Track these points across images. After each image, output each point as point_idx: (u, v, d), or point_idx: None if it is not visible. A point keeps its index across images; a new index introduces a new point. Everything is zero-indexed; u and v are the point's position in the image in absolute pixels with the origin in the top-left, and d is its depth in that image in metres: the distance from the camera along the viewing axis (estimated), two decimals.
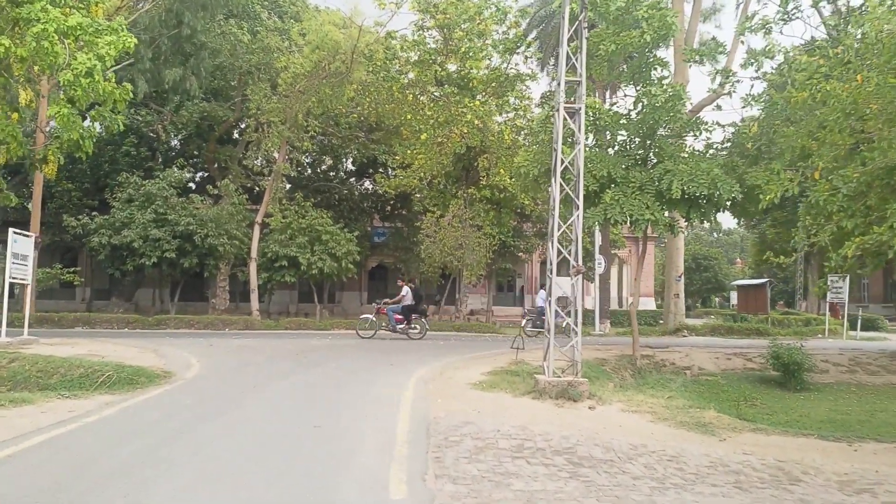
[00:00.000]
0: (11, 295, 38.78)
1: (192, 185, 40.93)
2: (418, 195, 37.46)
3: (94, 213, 32.66)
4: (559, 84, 12.21)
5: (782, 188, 11.81)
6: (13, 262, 18.19)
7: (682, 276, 33.47)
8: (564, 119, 12.24)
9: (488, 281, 41.60)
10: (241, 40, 34.23)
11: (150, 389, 12.74)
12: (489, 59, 32.72)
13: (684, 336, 30.35)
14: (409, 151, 32.36)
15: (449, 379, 14.44)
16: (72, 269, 33.77)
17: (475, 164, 33.04)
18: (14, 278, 18.60)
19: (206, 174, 41.02)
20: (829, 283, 31.80)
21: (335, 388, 12.89)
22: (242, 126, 37.00)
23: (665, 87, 16.56)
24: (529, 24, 36.19)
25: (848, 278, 31.63)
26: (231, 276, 36.56)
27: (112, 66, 17.41)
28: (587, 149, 18.32)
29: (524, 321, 28.57)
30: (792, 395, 17.31)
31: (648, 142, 17.86)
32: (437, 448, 8.47)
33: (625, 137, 18.81)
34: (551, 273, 12.54)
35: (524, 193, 23.71)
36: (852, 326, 35.24)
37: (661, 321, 39.19)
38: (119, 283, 40.95)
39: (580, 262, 12.31)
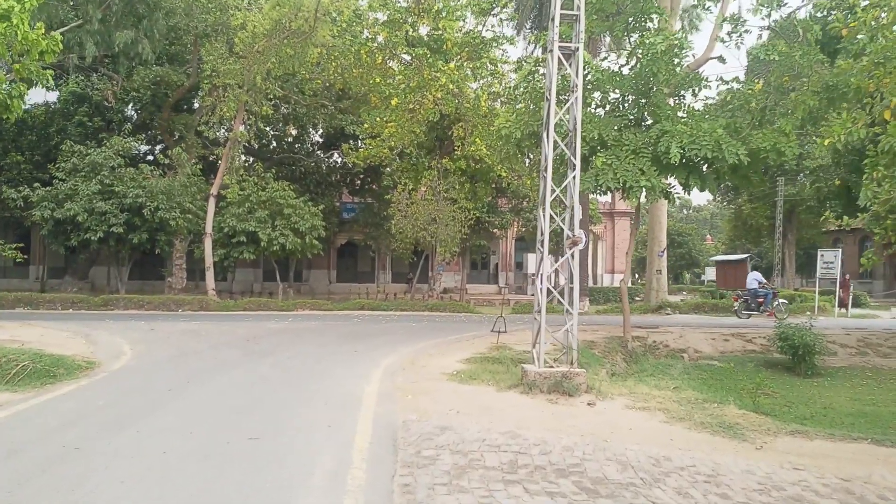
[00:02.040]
0: None
1: (149, 157, 38.23)
2: (389, 168, 35.28)
3: (36, 185, 30.04)
4: (552, 19, 10.18)
5: (845, 132, 9.70)
6: None
7: (665, 251, 31.79)
8: (559, 61, 10.22)
9: (462, 258, 39.69)
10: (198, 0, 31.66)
11: (64, 384, 10.65)
12: (464, 20, 30.52)
13: (668, 314, 28.68)
14: (378, 119, 30.07)
15: (422, 368, 12.48)
16: (14, 245, 31.13)
17: (449, 133, 30.90)
18: None
19: (164, 146, 38.42)
20: (820, 257, 30.34)
21: (285, 383, 10.86)
22: (199, 93, 34.37)
23: (664, 35, 14.58)
24: None
25: (840, 252, 30.14)
26: (189, 253, 34.24)
27: (32, 8, 15.07)
28: None
29: (737, 303, 27.60)
30: (803, 380, 15.63)
31: (643, 100, 15.89)
32: (406, 469, 6.50)
33: (617, 97, 16.85)
34: (542, 245, 10.59)
35: (504, 160, 21.64)
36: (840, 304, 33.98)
37: (639, 298, 37.68)
38: (73, 260, 38.49)
39: (577, 231, 10.37)
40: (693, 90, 16.46)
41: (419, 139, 31.19)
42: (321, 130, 41.22)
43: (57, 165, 30.44)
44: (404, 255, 35.30)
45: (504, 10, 32.26)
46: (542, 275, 10.23)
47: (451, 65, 28.42)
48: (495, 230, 41.06)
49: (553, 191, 10.35)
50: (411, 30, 29.89)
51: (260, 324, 21.01)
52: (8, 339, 14.76)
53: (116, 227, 28.68)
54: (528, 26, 35.44)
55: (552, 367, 10.30)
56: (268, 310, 27.84)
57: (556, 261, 34.20)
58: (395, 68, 31.41)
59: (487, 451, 7.15)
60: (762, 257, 65.06)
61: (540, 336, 10.23)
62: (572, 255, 10.37)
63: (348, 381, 11.01)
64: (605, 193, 15.71)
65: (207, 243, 30.15)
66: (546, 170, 10.21)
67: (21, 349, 12.71)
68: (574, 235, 10.28)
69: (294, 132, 40.61)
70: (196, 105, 36.75)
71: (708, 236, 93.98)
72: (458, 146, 30.28)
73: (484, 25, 31.24)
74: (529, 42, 35.17)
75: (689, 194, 16.27)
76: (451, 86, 27.83)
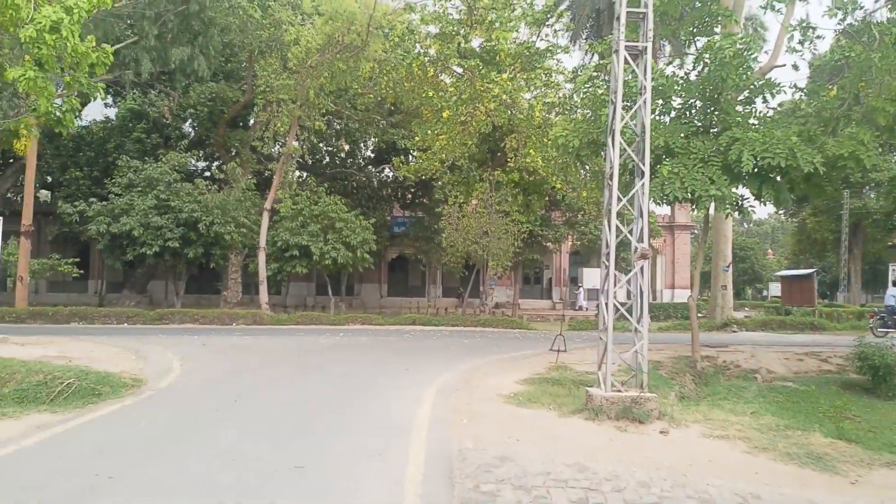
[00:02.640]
0: (3, 287, 37.18)
1: (206, 173, 38.48)
2: (440, 181, 34.82)
3: (92, 200, 30.40)
4: (618, 18, 9.51)
5: None
6: None
7: (731, 266, 30.52)
8: (625, 61, 9.54)
9: (514, 272, 38.91)
10: (252, 16, 31.73)
11: (107, 404, 10.29)
12: (517, 30, 29.93)
13: (734, 332, 27.47)
14: (429, 132, 29.66)
15: (476, 389, 11.84)
16: (70, 260, 31.63)
17: (502, 144, 30.28)
18: None
19: (220, 162, 38.62)
20: (893, 272, 28.75)
21: (334, 403, 10.34)
22: (254, 109, 34.47)
23: (733, 38, 13.74)
24: None
25: None
26: (244, 267, 34.30)
27: (82, 19, 15.01)
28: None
29: (872, 320, 26.14)
30: (884, 403, 14.48)
31: (712, 107, 15.03)
32: None
33: (681, 104, 16.01)
34: (606, 259, 9.90)
35: (561, 171, 20.87)
36: None
37: (702, 315, 36.36)
38: (131, 275, 38.99)
39: (646, 242, 9.63)
40: (764, 96, 15.53)
41: (471, 151, 30.69)
42: (373, 145, 41.12)
43: (113, 180, 30.76)
44: (455, 270, 34.71)
45: (560, 20, 31.68)
46: (608, 291, 9.51)
47: (504, 76, 27.87)
48: (549, 244, 40.20)
49: (619, 199, 9.63)
50: (463, 41, 29.46)
51: (311, 338, 20.64)
52: (57, 355, 14.61)
53: (172, 242, 28.75)
54: (584, 36, 34.71)
55: (620, 391, 9.55)
56: (319, 324, 27.56)
57: (615, 275, 32.94)
58: (447, 81, 31.02)
59: (553, 486, 6.47)
60: (827, 272, 62.73)
61: (606, 357, 9.50)
62: (641, 270, 9.62)
63: (400, 401, 10.44)
64: (671, 203, 14.86)
65: (261, 257, 30.07)
66: (612, 177, 9.51)
67: (67, 366, 12.47)
68: (643, 248, 9.54)
69: (346, 147, 40.53)
70: (251, 121, 36.93)
71: (769, 251, 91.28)
72: (511, 158, 29.64)
73: (538, 36, 30.66)
74: (586, 51, 34.45)
75: (764, 205, 15.28)
76: (504, 96, 27.27)
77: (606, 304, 9.68)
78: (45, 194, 41.75)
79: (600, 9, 32.65)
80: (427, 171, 30.79)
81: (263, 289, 30.18)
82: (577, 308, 43.78)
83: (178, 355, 15.31)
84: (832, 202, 45.94)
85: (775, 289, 68.38)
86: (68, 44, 14.56)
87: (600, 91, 15.78)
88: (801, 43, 14.78)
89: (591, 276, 43.39)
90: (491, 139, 31.06)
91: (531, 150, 29.12)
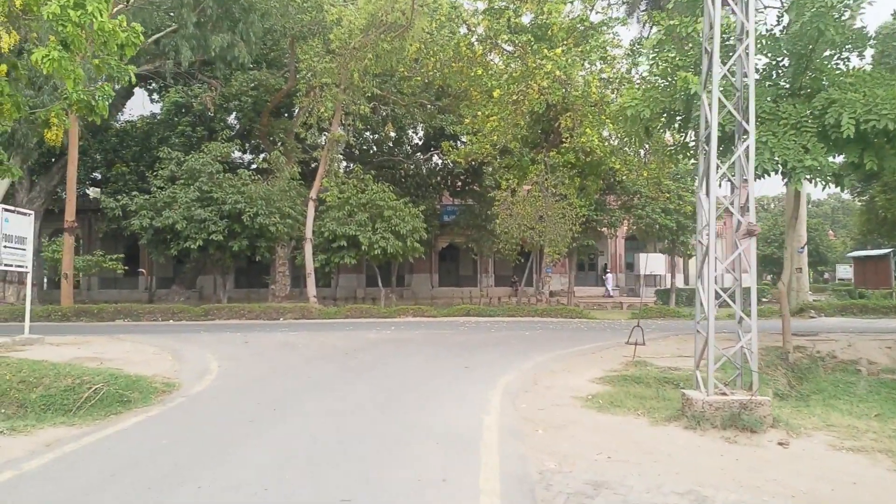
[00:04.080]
0: (53, 286, 36.92)
1: (252, 165, 37.54)
2: (490, 167, 33.30)
3: (134, 194, 29.72)
4: None
5: None
6: (5, 246, 14.93)
7: (806, 247, 28.42)
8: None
9: (569, 259, 37.21)
10: None
11: (133, 413, 9.17)
12: (570, 1, 28.23)
13: (812, 317, 25.50)
14: (479, 114, 28.19)
15: (547, 390, 10.39)
16: (115, 257, 31.04)
17: (556, 125, 28.67)
18: (8, 265, 15.36)
19: (264, 152, 37.67)
20: None
21: (385, 412, 8.98)
22: (297, 95, 33.37)
23: None
24: None
25: None
26: (292, 259, 33.39)
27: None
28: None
29: None
30: None
31: (804, 65, 13.24)
32: None
33: (766, 63, 14.25)
34: (700, 238, 8.38)
35: (620, 150, 19.05)
36: None
37: (766, 300, 34.27)
38: (181, 269, 38.44)
39: (752, 216, 8.04)
40: (860, 52, 13.70)
41: (523, 133, 29.16)
42: (420, 132, 39.80)
43: (155, 173, 30.03)
44: (510, 257, 33.17)
45: None
46: (708, 274, 7.95)
47: (558, 50, 26.23)
48: (603, 229, 38.38)
49: (718, 166, 8.06)
50: (514, 16, 27.91)
51: (361, 333, 19.42)
52: (90, 356, 13.67)
53: (216, 235, 27.87)
54: (642, 7, 32.75)
55: (725, 393, 8.00)
56: (370, 317, 26.41)
57: (667, 261, 31.15)
58: (497, 60, 29.52)
59: None
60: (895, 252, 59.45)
61: (707, 353, 7.95)
62: (746, 249, 8.05)
63: (461, 408, 9.06)
64: (759, 177, 13.15)
65: (308, 248, 29.04)
66: (708, 140, 7.94)
67: (98, 369, 11.45)
68: (750, 223, 7.96)
69: (393, 134, 39.27)
70: (295, 110, 35.89)
71: (830, 232, 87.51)
72: (567, 138, 27.99)
73: (592, 8, 28.96)
74: (644, 23, 32.51)
75: (864, 178, 13.48)
76: (557, 72, 25.68)
77: (705, 290, 8.12)
78: (95, 191, 41.51)
79: None
80: (478, 155, 29.34)
81: (311, 281, 29.14)
82: (605, 295, 42.12)
83: (216, 355, 14.20)
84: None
85: (843, 271, 65.17)
86: (94, 21, 13.43)
87: (672, 55, 14.11)
88: None
89: (648, 262, 41.51)
90: (544, 119, 29.49)
91: (587, 129, 27.48)
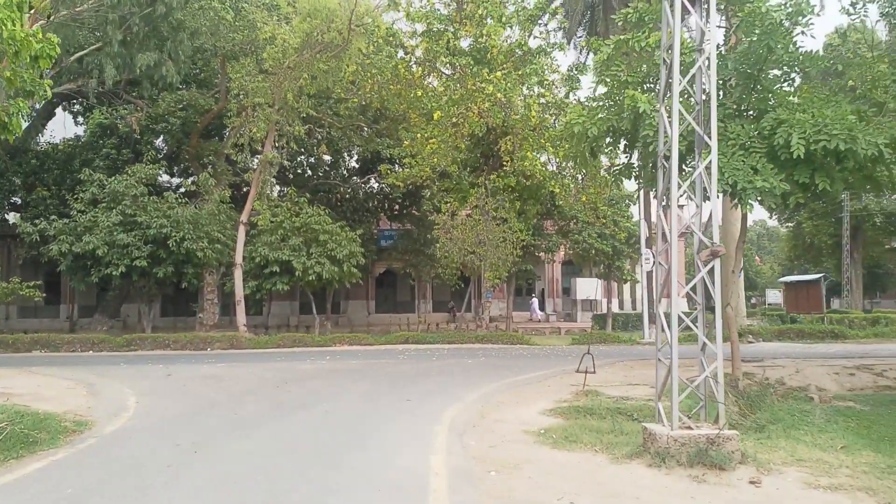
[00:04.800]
0: None
1: (181, 189, 35.85)
2: (429, 191, 32.71)
3: (53, 218, 27.99)
4: None
5: None
6: None
7: (742, 271, 28.60)
8: (683, 5, 7.49)
9: (507, 284, 36.76)
10: (224, 18, 29.58)
11: (36, 457, 8.10)
12: (510, 27, 28.01)
13: (751, 342, 25.51)
14: (418, 136, 27.58)
15: (497, 424, 9.67)
16: (32, 284, 29.13)
17: (496, 148, 28.23)
18: None
19: (194, 176, 36.07)
20: None
21: (321, 453, 8.09)
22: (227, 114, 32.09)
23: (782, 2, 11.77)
24: None
25: None
26: (221, 286, 31.94)
27: (24, 3, 12.83)
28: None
29: None
30: None
31: (752, 84, 13.01)
32: None
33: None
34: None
35: (579, 164, 18.56)
36: None
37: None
38: (103, 298, 36.39)
39: (716, 236, 7.54)
40: (805, 72, 13.57)
41: (463, 156, 28.66)
42: (357, 155, 38.93)
43: (76, 196, 28.38)
44: (450, 281, 32.50)
45: (554, 17, 29.85)
46: (672, 299, 7.40)
47: (498, 73, 25.90)
48: (541, 254, 38.15)
49: (679, 184, 7.55)
50: (453, 38, 27.52)
51: (293, 364, 18.38)
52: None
53: (139, 261, 26.37)
54: (579, 33, 32.85)
55: (690, 427, 7.41)
56: (304, 346, 25.30)
57: (603, 286, 30.70)
58: (436, 83, 29.07)
59: None
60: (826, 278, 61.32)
61: (671, 384, 7.37)
62: (711, 272, 7.53)
63: (405, 447, 8.26)
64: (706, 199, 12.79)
65: (237, 274, 27.76)
66: (670, 155, 7.43)
67: (2, 406, 10.26)
68: (714, 244, 7.45)
69: (328, 157, 38.29)
70: (226, 133, 34.61)
71: (756, 257, 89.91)
72: (507, 161, 27.59)
73: (531, 34, 28.82)
74: (581, 49, 32.63)
75: (810, 199, 13.30)
76: (498, 95, 25.31)
77: (664, 315, 7.56)
78: (14, 216, 39.24)
79: (595, 3, 30.83)
80: (417, 178, 28.65)
81: (241, 309, 27.84)
82: (530, 320, 42.14)
83: (135, 390, 13.05)
84: (831, 205, 44.45)
85: (772, 296, 66.65)
86: (3, 29, 12.29)
87: (620, 70, 13.75)
88: (853, 5, 12.82)
89: (585, 287, 41.53)
90: (484, 143, 29.06)
91: (528, 153, 27.16)
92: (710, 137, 7.54)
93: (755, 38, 12.00)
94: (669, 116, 7.57)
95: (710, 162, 7.53)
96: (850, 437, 9.86)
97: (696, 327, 7.76)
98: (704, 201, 7.72)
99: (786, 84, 13.51)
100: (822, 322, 34.34)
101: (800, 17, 11.81)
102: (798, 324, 34.26)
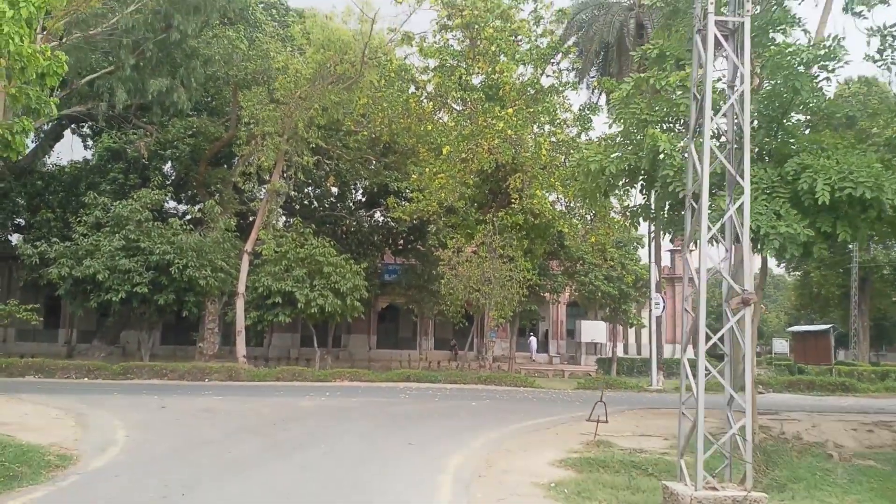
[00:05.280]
0: None
1: (188, 216, 35.49)
2: (434, 226, 32.42)
3: (54, 241, 27.63)
4: None
5: None
6: None
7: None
8: (716, 39, 7.13)
9: (511, 324, 36.22)
10: (238, 47, 29.61)
11: (16, 494, 7.64)
12: (523, 64, 27.89)
13: (761, 393, 24.82)
14: (427, 170, 27.30)
15: (504, 475, 9.13)
16: (29, 307, 28.64)
17: (505, 185, 27.91)
18: None
19: (201, 203, 35.72)
20: None
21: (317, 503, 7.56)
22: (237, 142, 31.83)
23: (810, 44, 11.49)
24: (567, 30, 31.40)
25: None
26: (223, 315, 31.42)
27: (33, 17, 12.61)
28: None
29: None
30: None
31: (776, 127, 12.66)
32: None
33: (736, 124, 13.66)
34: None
35: (590, 202, 18.19)
36: None
37: (709, 373, 33.78)
38: (103, 323, 35.83)
39: (749, 283, 7.11)
40: (828, 118, 13.23)
41: (471, 192, 28.39)
42: (364, 188, 38.66)
43: (79, 219, 28.06)
44: (454, 319, 31.97)
45: (567, 56, 29.75)
46: (699, 349, 6.93)
47: (510, 110, 25.72)
48: (546, 294, 37.65)
49: (709, 227, 7.12)
50: (465, 74, 27.41)
51: (292, 400, 17.80)
52: None
53: (140, 287, 25.94)
54: (592, 73, 32.75)
55: (715, 488, 6.88)
56: (303, 380, 24.71)
57: (608, 329, 30.10)
58: (446, 119, 28.91)
59: None
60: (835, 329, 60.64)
61: (696, 439, 6.86)
62: (739, 322, 7.07)
63: (407, 499, 7.71)
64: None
65: (239, 305, 27.29)
66: (701, 195, 7.01)
67: None
68: (746, 291, 7.00)
69: (335, 189, 38.02)
70: (235, 161, 34.42)
71: (762, 305, 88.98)
72: (516, 199, 27.26)
73: (543, 72, 28.71)
74: (593, 89, 32.49)
75: (833, 246, 12.85)
76: (509, 131, 25.09)
77: (692, 363, 7.09)
78: (17, 237, 38.92)
79: (609, 42, 30.76)
80: (423, 212, 28.30)
81: (241, 340, 27.33)
82: (532, 360, 41.64)
83: (125, 423, 12.52)
84: (839, 255, 44.16)
85: (779, 345, 65.70)
86: (10, 43, 12.00)
87: (640, 108, 13.39)
88: (879, 52, 12.50)
89: (590, 330, 40.96)
90: (493, 179, 28.78)
91: (537, 191, 26.84)
92: (742, 178, 7.14)
93: (780, 80, 11.69)
94: (698, 154, 7.17)
95: (742, 203, 7.11)
96: (875, 499, 9.29)
97: (723, 379, 7.27)
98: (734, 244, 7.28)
99: (808, 129, 13.19)
100: (830, 374, 33.70)
101: (828, 62, 11.46)
102: (806, 375, 33.62)
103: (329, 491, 8.05)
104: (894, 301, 52.66)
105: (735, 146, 7.49)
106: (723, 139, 7.92)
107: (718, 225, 7.27)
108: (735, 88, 7.41)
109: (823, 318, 62.31)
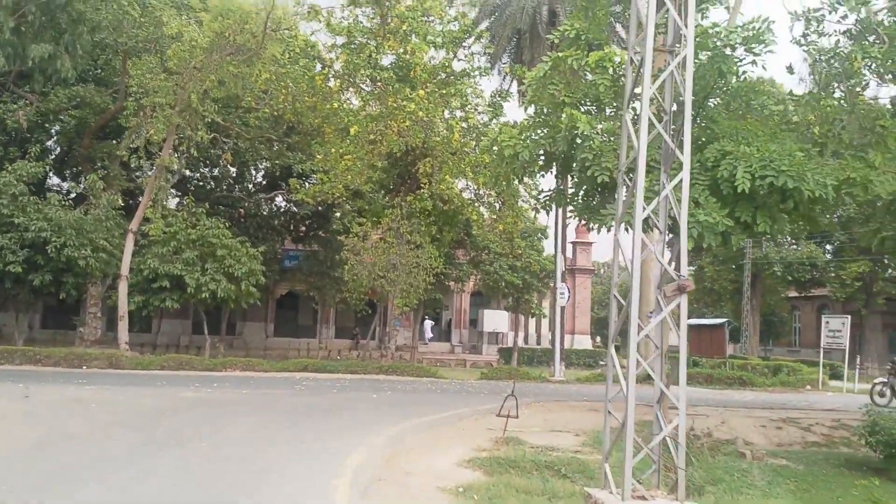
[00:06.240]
0: None
1: (71, 194, 32.76)
2: (340, 211, 31.19)
3: None
4: None
5: None
6: None
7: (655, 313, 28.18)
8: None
9: (414, 313, 35.42)
10: (129, 13, 27.37)
11: None
12: (434, 46, 26.97)
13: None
14: (333, 151, 26.04)
15: (408, 477, 8.21)
16: None
17: (414, 169, 27.00)
18: None
19: (85, 178, 33.05)
20: (825, 325, 27.16)
21: None
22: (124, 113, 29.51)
23: (738, 25, 11.05)
24: (480, 13, 30.71)
25: (849, 321, 26.94)
26: (106, 298, 29.16)
27: None
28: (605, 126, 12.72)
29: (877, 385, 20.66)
30: None
31: (696, 112, 12.23)
32: None
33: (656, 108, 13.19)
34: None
35: (503, 187, 17.55)
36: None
37: (604, 363, 34.07)
38: None
39: (684, 269, 6.45)
40: (749, 104, 12.92)
41: (379, 176, 27.31)
42: (265, 169, 36.81)
43: None
44: (357, 306, 30.89)
45: (479, 40, 29.05)
46: (631, 340, 6.20)
47: (421, 92, 24.76)
48: (451, 283, 37.09)
49: (644, 206, 6.41)
50: (374, 52, 26.22)
51: (175, 390, 16.31)
52: None
53: (14, 266, 23.66)
54: (504, 59, 32.18)
55: (644, 497, 6.18)
56: (191, 369, 23.04)
57: (513, 318, 29.60)
58: (354, 100, 27.69)
59: None
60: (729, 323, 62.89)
61: (625, 442, 6.13)
62: (674, 311, 6.40)
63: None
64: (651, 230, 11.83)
65: (122, 288, 25.30)
66: (637, 169, 6.29)
67: None
68: (682, 278, 6.34)
69: (233, 169, 36.04)
70: (124, 135, 32.05)
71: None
72: (425, 183, 26.37)
73: (455, 55, 27.89)
74: (504, 76, 31.93)
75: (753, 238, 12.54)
76: (420, 113, 24.12)
77: (613, 357, 6.36)
78: None
79: (522, 29, 30.24)
80: (328, 195, 27.02)
81: (123, 325, 25.35)
82: (425, 343, 41.22)
83: None
84: (734, 252, 45.46)
85: (673, 338, 67.77)
86: None
87: (558, 90, 12.71)
88: (804, 35, 12.23)
89: (492, 319, 40.64)
90: (402, 163, 27.83)
91: (447, 177, 26.06)
92: (681, 152, 6.45)
93: (705, 62, 11.23)
94: (633, 125, 6.45)
95: (682, 181, 6.43)
96: (795, 502, 8.91)
97: (654, 373, 6.60)
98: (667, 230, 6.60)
99: (728, 114, 12.85)
100: (724, 367, 34.47)
101: (755, 45, 11.05)
102: (701, 367, 34.22)
103: (209, 494, 6.93)
104: (783, 298, 55.01)
105: (671, 117, 6.80)
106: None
107: (654, 203, 6.58)
108: (675, 53, 6.72)
109: (715, 311, 64.48)
